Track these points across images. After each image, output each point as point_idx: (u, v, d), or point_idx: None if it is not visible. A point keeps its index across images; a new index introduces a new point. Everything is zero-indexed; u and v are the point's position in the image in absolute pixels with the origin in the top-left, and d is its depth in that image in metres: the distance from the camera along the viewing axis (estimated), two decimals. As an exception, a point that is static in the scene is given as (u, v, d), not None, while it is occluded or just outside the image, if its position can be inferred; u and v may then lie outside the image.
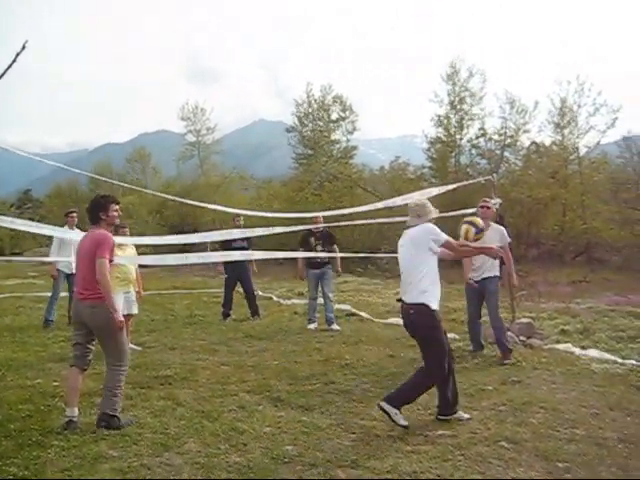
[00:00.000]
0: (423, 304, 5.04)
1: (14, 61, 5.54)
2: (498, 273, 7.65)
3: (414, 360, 7.48)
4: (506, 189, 20.59)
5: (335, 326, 9.83)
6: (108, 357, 5.22)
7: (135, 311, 8.25)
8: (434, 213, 5.29)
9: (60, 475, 4.04)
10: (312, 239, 10.13)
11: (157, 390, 6.18)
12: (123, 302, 7.77)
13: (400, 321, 10.06)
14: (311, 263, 10.11)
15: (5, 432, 4.87)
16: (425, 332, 5.14)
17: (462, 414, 5.17)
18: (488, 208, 7.62)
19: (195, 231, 30.82)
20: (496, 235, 7.47)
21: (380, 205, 8.85)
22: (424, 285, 5.06)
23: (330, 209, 20.09)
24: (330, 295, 10.16)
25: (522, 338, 8.42)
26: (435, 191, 9.16)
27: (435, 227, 5.16)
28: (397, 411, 4.95)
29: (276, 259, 25.32)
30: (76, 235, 10.42)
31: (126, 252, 8.11)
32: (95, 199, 5.42)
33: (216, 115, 40.91)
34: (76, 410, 5.08)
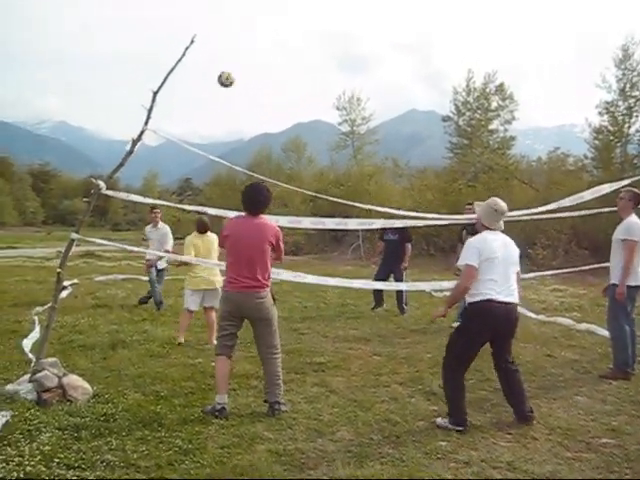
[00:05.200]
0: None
1: (183, 55, 5.80)
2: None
3: (574, 361, 7.17)
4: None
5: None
6: (267, 347, 5.28)
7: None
8: None
9: (220, 452, 4.22)
10: (464, 232, 9.50)
11: (311, 376, 6.30)
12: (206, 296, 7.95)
13: (560, 319, 9.70)
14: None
15: (170, 406, 5.17)
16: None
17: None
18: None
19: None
20: None
21: (553, 206, 8.30)
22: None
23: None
24: None
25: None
26: (606, 188, 8.50)
27: None
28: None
29: (427, 250, 25.20)
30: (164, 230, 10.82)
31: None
32: (268, 191, 5.38)
33: (369, 104, 40.96)
34: (226, 397, 5.19)
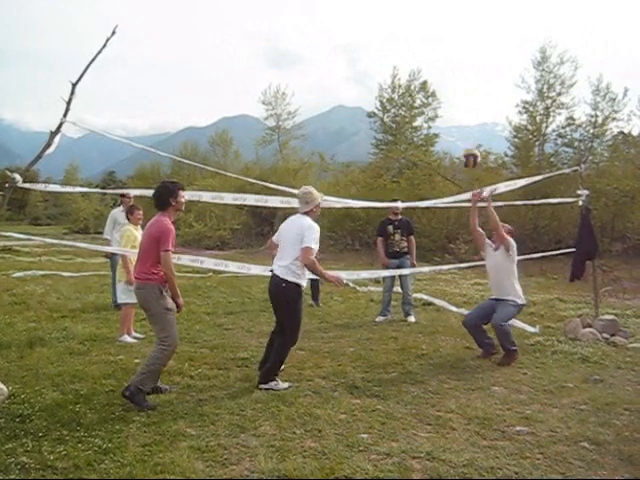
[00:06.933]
0: (294, 282, 5.75)
1: (104, 46, 5.69)
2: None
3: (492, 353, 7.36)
4: (592, 180, 19.87)
5: (412, 318, 9.66)
6: (156, 335, 5.42)
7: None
8: (320, 199, 6.00)
9: (141, 450, 4.15)
10: (390, 227, 9.91)
11: (234, 372, 6.28)
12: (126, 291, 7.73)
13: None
14: (389, 252, 9.88)
15: (90, 405, 5.06)
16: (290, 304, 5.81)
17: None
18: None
19: (274, 214, 31.18)
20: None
21: (465, 196, 8.59)
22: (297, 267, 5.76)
23: (409, 197, 19.91)
24: (409, 287, 9.90)
25: (605, 335, 8.13)
26: (521, 182, 8.86)
27: (315, 229, 5.76)
28: (275, 382, 5.73)
29: (353, 245, 25.45)
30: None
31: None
32: (164, 185, 5.47)
33: (295, 99, 41.04)
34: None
